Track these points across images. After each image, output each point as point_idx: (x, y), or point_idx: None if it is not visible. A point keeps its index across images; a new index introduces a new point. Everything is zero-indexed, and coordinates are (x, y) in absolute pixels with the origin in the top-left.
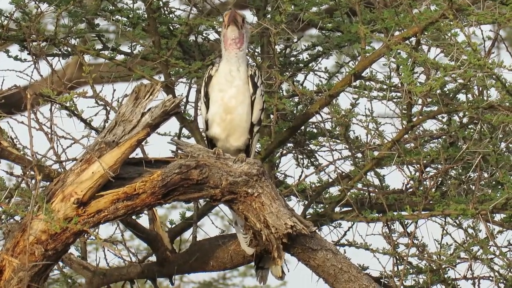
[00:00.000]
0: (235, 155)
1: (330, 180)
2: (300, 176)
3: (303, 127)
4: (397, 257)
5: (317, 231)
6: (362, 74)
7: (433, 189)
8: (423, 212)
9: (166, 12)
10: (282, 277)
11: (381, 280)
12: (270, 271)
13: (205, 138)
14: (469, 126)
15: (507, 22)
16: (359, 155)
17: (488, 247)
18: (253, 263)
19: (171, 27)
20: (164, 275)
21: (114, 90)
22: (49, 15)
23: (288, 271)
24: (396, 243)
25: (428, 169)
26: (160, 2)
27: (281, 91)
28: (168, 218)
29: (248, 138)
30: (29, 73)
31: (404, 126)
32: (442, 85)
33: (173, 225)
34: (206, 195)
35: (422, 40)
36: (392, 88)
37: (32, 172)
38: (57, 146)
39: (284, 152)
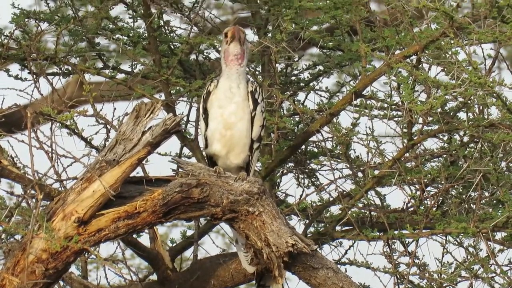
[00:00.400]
0: (235, 172)
1: (331, 199)
2: (301, 195)
3: (303, 146)
4: (398, 276)
5: (318, 249)
6: (363, 93)
7: (434, 208)
8: (424, 231)
9: (167, 31)
10: None
11: None
12: None
13: (205, 157)
14: (470, 145)
15: (508, 41)
16: (360, 174)
17: (489, 266)
18: (254, 282)
19: (171, 46)
20: None
21: (115, 109)
22: (50, 34)
23: None
24: (397, 262)
25: (429, 188)
26: (161, 21)
27: (282, 110)
28: (169, 236)
29: (248, 155)
30: (29, 92)
31: (404, 144)
32: (443, 104)
33: (174, 244)
34: (207, 214)
35: (423, 59)
36: (393, 106)
37: (32, 191)
38: (58, 164)
39: (285, 171)
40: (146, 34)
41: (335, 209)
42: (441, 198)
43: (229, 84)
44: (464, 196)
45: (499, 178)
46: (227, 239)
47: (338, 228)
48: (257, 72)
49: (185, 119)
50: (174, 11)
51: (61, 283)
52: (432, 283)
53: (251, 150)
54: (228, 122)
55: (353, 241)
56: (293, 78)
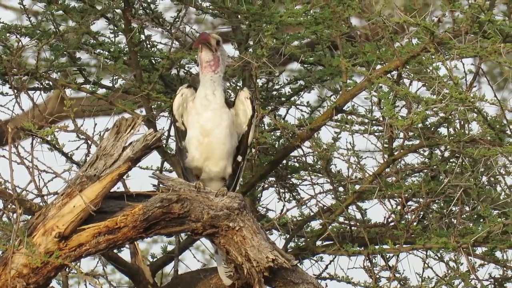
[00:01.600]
0: (218, 182)
1: (312, 213)
2: (282, 210)
3: (284, 161)
4: None
5: (298, 264)
6: (344, 108)
7: (415, 223)
8: (404, 246)
9: (148, 45)
10: None
11: None
12: None
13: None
14: (451, 160)
15: (489, 56)
16: (341, 188)
17: (470, 280)
18: None
19: (152, 61)
20: None
21: (96, 124)
22: (31, 49)
23: None
24: (377, 276)
25: (409, 202)
26: (142, 36)
27: (262, 125)
28: (150, 251)
29: (228, 164)
30: (10, 107)
31: (385, 159)
32: (424, 119)
33: (155, 259)
34: (187, 229)
35: (403, 74)
36: (374, 121)
37: (13, 206)
38: (39, 180)
39: (266, 186)
40: (127, 49)
41: (315, 224)
42: (422, 213)
43: (205, 91)
44: (445, 211)
45: (480, 193)
46: (208, 254)
47: (318, 243)
48: (238, 87)
49: (166, 134)
50: (155, 26)
51: None
52: None
53: (236, 163)
54: (205, 128)
55: (334, 256)
56: (274, 93)
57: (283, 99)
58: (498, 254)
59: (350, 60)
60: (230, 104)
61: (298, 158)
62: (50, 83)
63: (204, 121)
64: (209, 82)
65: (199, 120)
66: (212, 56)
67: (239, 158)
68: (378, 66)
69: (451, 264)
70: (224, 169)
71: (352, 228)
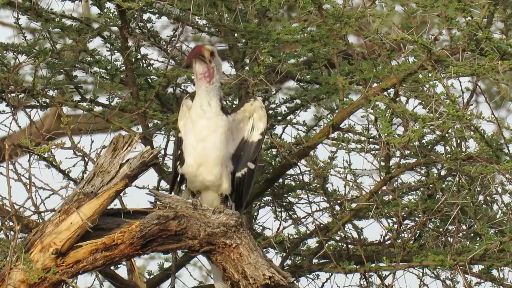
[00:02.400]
0: (215, 194)
1: (308, 231)
2: (278, 228)
3: (281, 180)
4: None
5: (295, 282)
6: (340, 126)
7: (411, 241)
8: (401, 264)
9: (144, 64)
10: None
11: None
12: None
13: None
14: (448, 178)
15: (486, 74)
16: (337, 207)
17: None
18: None
19: (149, 79)
20: None
21: (92, 141)
22: (28, 66)
23: None
24: None
25: (406, 220)
26: (138, 54)
27: None
28: (147, 268)
29: (220, 173)
30: (7, 124)
31: (382, 177)
32: (421, 137)
33: (152, 276)
34: (184, 246)
35: (400, 92)
36: (371, 139)
37: (10, 223)
38: (36, 196)
39: (262, 204)
40: (124, 67)
41: (312, 242)
42: (418, 231)
43: (200, 101)
44: (441, 229)
45: (477, 211)
46: (205, 271)
47: (315, 260)
48: (234, 105)
49: (162, 152)
50: (151, 44)
51: None
52: None
53: (249, 170)
54: (200, 135)
55: (330, 274)
56: (270, 111)
57: (279, 117)
58: (494, 272)
59: (347, 77)
60: (227, 111)
61: (294, 176)
62: (47, 100)
63: (200, 128)
64: (204, 93)
65: (194, 128)
66: (207, 68)
67: (251, 165)
68: (375, 84)
69: (448, 282)
70: (220, 178)
71: (349, 246)
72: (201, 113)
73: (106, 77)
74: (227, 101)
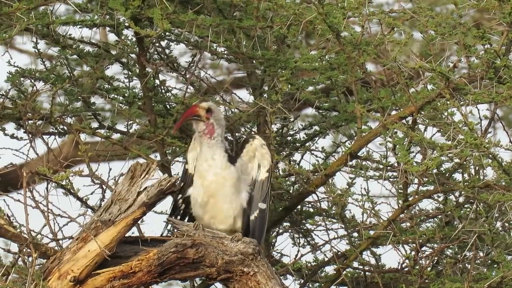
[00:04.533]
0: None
1: (326, 259)
2: (296, 255)
3: (299, 206)
4: None
5: None
6: (358, 154)
7: (429, 268)
8: None
9: (163, 90)
10: None
11: None
12: None
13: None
14: (465, 206)
15: (504, 101)
16: (355, 234)
17: None
18: None
19: (167, 106)
20: None
21: (110, 169)
22: (45, 93)
23: None
24: None
25: (423, 248)
26: (156, 81)
27: (277, 171)
28: None
29: (232, 222)
30: (25, 151)
31: (400, 205)
32: (439, 165)
33: None
34: (202, 274)
35: (418, 119)
36: (388, 167)
37: (28, 250)
38: (54, 224)
39: (281, 231)
40: (142, 94)
41: (330, 269)
42: (436, 258)
43: (205, 156)
44: (459, 256)
45: (494, 239)
46: None
47: None
48: (252, 133)
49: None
50: (169, 71)
51: None
52: None
53: (260, 211)
54: (209, 190)
55: None
56: (288, 138)
57: (297, 144)
58: None
59: (365, 105)
60: (234, 158)
61: (312, 203)
62: (65, 127)
63: (208, 183)
64: (206, 147)
65: (203, 183)
66: (205, 126)
67: (263, 206)
68: (393, 112)
69: None
70: (233, 225)
71: (366, 273)
72: (207, 168)
73: (124, 104)
74: (246, 128)
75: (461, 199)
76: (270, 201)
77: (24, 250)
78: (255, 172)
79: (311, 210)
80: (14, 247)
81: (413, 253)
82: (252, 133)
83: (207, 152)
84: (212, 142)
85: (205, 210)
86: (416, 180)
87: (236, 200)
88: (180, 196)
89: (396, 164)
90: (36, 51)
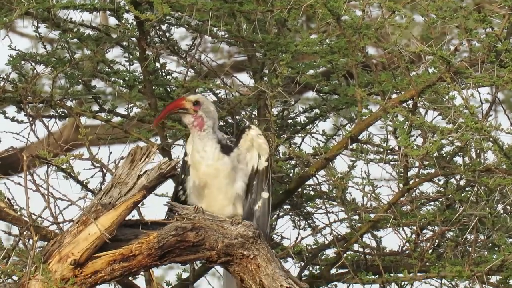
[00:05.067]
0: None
1: (326, 242)
2: (297, 238)
3: (300, 189)
4: None
5: None
6: (359, 137)
7: (429, 251)
8: (419, 274)
9: (163, 74)
10: None
11: None
12: None
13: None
14: (466, 189)
15: (505, 85)
16: (356, 217)
17: None
18: None
19: (168, 89)
20: None
21: (111, 153)
22: (46, 77)
23: None
24: None
25: (424, 231)
26: (157, 64)
27: (277, 154)
28: (165, 279)
29: (230, 209)
30: (25, 135)
31: (400, 188)
32: (439, 148)
33: (170, 286)
34: (202, 257)
35: (419, 103)
36: (389, 151)
37: (29, 233)
38: (54, 207)
39: (281, 214)
40: (142, 77)
41: (330, 252)
42: (436, 242)
43: (197, 147)
44: (459, 239)
45: (495, 222)
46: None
47: (333, 271)
48: (253, 116)
49: (180, 162)
50: (170, 54)
51: None
52: None
53: (263, 200)
54: (204, 181)
55: (348, 284)
56: (289, 121)
57: (298, 127)
58: None
59: (365, 89)
60: (230, 148)
61: (313, 186)
62: (65, 111)
63: (201, 174)
64: (197, 139)
65: (198, 174)
66: (193, 118)
67: (265, 195)
68: (394, 96)
69: None
70: (232, 212)
71: (367, 256)
72: (200, 160)
73: (125, 87)
74: (246, 111)
75: (461, 183)
76: (272, 189)
77: (25, 233)
78: (255, 161)
79: (312, 193)
80: (15, 230)
81: (413, 236)
82: (247, 123)
83: (198, 144)
84: (203, 134)
85: (201, 200)
86: (416, 164)
87: (231, 190)
88: (180, 187)
89: (396, 148)
90: (37, 34)
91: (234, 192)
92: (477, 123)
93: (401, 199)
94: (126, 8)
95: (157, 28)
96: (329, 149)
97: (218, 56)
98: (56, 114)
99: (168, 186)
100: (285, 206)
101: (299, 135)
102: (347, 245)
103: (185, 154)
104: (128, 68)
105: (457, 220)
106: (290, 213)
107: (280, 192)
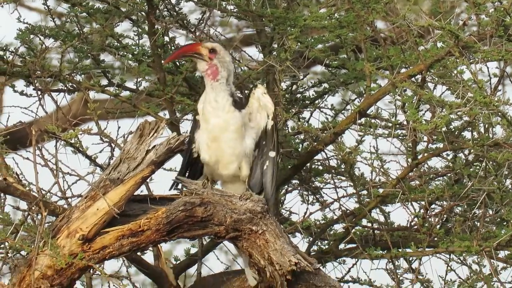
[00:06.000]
0: (241, 185)
1: (335, 217)
2: (305, 213)
3: (308, 164)
4: None
5: (321, 268)
6: (367, 112)
7: (438, 226)
8: (427, 249)
9: (172, 48)
10: None
11: None
12: None
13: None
14: (474, 164)
15: None
16: (364, 192)
17: (492, 284)
18: None
19: (176, 63)
20: None
21: (119, 127)
22: (54, 51)
23: None
24: (400, 279)
25: (432, 206)
26: (166, 38)
27: (286, 128)
28: (173, 254)
29: (236, 167)
30: (34, 110)
31: (409, 163)
32: (448, 123)
33: (178, 261)
34: (210, 232)
35: (427, 78)
36: (397, 125)
37: (37, 208)
38: (63, 182)
39: (290, 189)
40: (151, 52)
41: (338, 228)
42: (445, 217)
43: (209, 97)
44: (468, 214)
45: (503, 197)
46: (231, 256)
47: (341, 246)
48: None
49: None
50: (179, 28)
51: None
52: None
53: (271, 160)
54: (213, 134)
55: (357, 259)
56: (298, 96)
57: (306, 102)
58: None
59: (374, 63)
60: (242, 105)
61: (321, 161)
62: (74, 85)
63: (212, 127)
64: (210, 89)
65: (207, 126)
66: (208, 66)
67: (272, 154)
68: (403, 70)
69: (474, 267)
70: (237, 171)
71: (375, 231)
72: (210, 110)
73: (133, 61)
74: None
75: (470, 157)
76: (279, 149)
77: (33, 208)
78: (265, 121)
79: (320, 168)
80: (23, 205)
81: (422, 211)
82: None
83: (210, 93)
84: (215, 84)
85: (210, 154)
86: (425, 138)
87: (239, 147)
88: (193, 145)
89: (405, 122)
90: (46, 8)
91: (242, 150)
92: (486, 98)
93: (410, 174)
94: None
95: (166, 2)
96: (338, 124)
97: (227, 30)
98: (65, 89)
99: (177, 161)
100: (294, 181)
101: (308, 109)
102: (356, 220)
103: (197, 113)
104: (137, 42)
105: (465, 195)
106: (299, 188)
107: (289, 166)
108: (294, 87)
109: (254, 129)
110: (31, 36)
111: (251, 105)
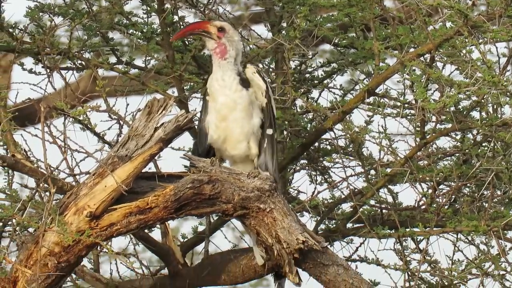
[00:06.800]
0: (248, 165)
1: (343, 196)
2: (313, 192)
3: (316, 144)
4: (409, 273)
5: (328, 246)
6: (376, 91)
7: (446, 206)
8: (435, 229)
9: (181, 26)
10: (300, 283)
11: None
12: (287, 278)
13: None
14: (483, 144)
15: None
16: (372, 171)
17: (500, 264)
18: (264, 276)
19: (185, 42)
20: None
21: (128, 104)
22: (63, 28)
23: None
24: (408, 258)
25: (441, 186)
26: (175, 17)
27: (295, 107)
28: (180, 231)
29: (245, 146)
30: (43, 86)
31: (417, 143)
32: (456, 102)
33: (185, 239)
34: (218, 210)
35: (436, 57)
36: (406, 105)
37: (45, 185)
38: (71, 159)
39: (298, 168)
40: (160, 30)
41: (346, 207)
42: (453, 197)
43: (216, 76)
44: (476, 194)
45: (511, 177)
46: (238, 234)
47: (349, 225)
48: (270, 69)
49: (197, 115)
50: (188, 7)
51: (73, 276)
52: (443, 280)
53: (268, 137)
54: (221, 114)
55: (364, 239)
56: (306, 75)
57: (315, 81)
58: None
59: (383, 43)
60: (248, 83)
61: (330, 140)
62: (83, 62)
63: (220, 106)
64: (217, 67)
65: (215, 106)
66: (216, 44)
67: (270, 131)
68: (411, 49)
69: (482, 247)
70: (246, 150)
71: (383, 211)
72: (218, 88)
73: (142, 39)
74: (264, 65)
75: (478, 137)
76: (275, 126)
77: (42, 185)
78: (262, 98)
79: (328, 147)
80: (31, 182)
81: (430, 191)
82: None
83: (218, 72)
84: (223, 62)
85: (218, 134)
86: (433, 118)
87: (247, 125)
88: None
89: (413, 102)
90: None
91: (250, 129)
92: (494, 77)
93: (418, 153)
94: None
95: None
96: (346, 103)
97: (236, 8)
98: (74, 66)
99: (185, 139)
100: (302, 161)
101: (316, 88)
102: (363, 199)
103: (206, 94)
104: (146, 20)
105: (473, 175)
106: (307, 168)
107: (297, 146)
108: (303, 66)
109: (260, 107)
110: (40, 13)
111: (252, 83)
